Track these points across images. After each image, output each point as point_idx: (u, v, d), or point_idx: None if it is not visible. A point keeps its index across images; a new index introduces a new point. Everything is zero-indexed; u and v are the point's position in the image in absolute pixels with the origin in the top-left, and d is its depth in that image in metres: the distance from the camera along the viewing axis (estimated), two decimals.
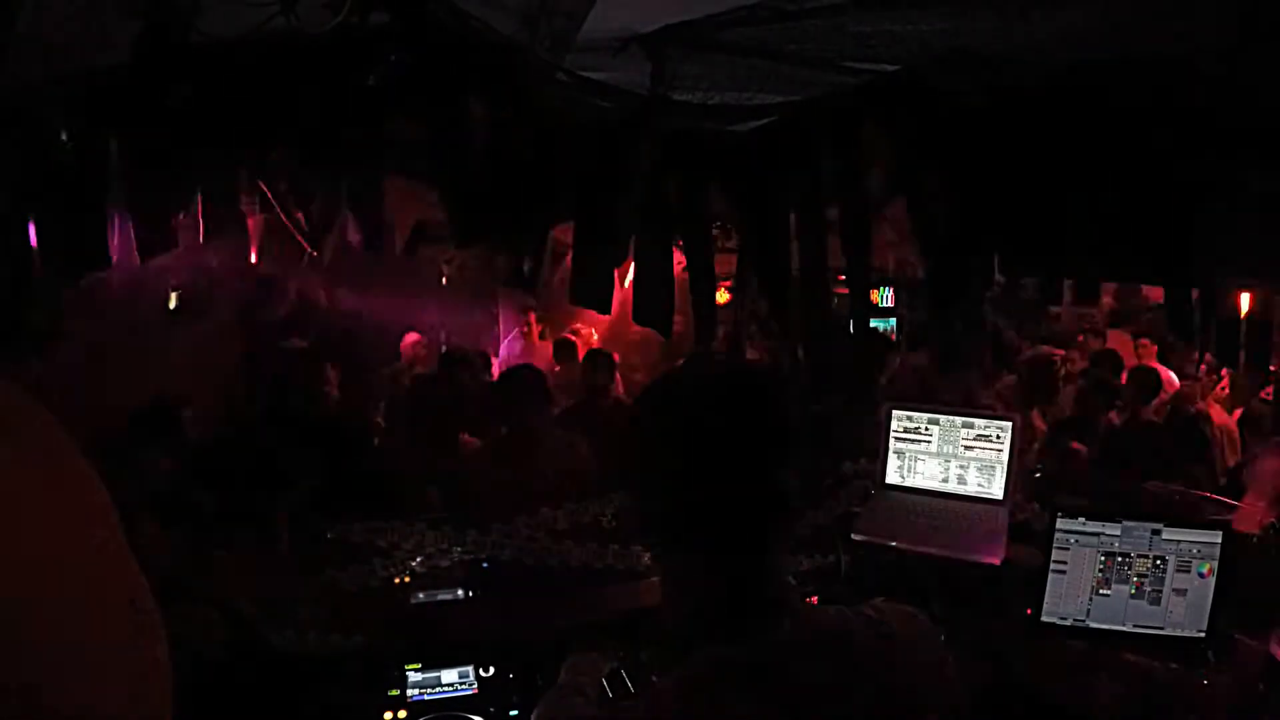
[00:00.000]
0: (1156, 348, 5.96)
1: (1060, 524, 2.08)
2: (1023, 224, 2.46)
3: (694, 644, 0.92)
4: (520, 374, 3.60)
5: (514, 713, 1.78)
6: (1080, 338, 6.69)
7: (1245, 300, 2.90)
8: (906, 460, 2.50)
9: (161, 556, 2.07)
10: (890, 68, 2.27)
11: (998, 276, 2.70)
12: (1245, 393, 5.30)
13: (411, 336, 6.09)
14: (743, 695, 0.87)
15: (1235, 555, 2.01)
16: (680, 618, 0.99)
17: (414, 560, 2.30)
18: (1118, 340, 6.42)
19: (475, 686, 1.84)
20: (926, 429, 2.48)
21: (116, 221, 2.51)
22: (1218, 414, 5.05)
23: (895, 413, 2.52)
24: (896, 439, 2.51)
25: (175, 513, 2.43)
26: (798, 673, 0.91)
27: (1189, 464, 4.19)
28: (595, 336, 6.68)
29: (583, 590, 2.22)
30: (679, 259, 2.96)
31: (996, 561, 2.15)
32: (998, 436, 2.41)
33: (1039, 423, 4.46)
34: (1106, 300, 6.62)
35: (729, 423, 0.94)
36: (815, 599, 2.05)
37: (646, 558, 2.36)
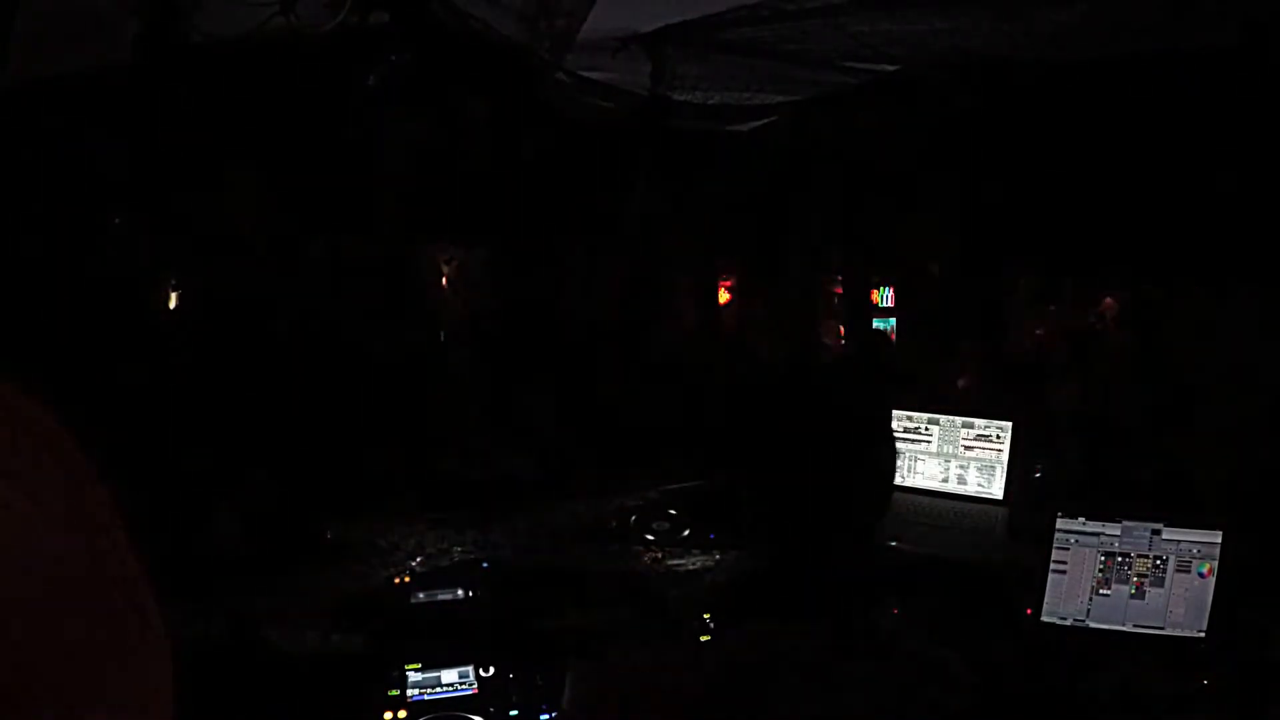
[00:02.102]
0: None
1: (1060, 524, 2.08)
2: (1022, 224, 2.46)
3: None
4: None
5: (514, 713, 1.77)
6: None
7: None
8: (906, 460, 2.50)
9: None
10: (890, 68, 2.27)
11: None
12: None
13: None
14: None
15: (1236, 556, 2.01)
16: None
17: (414, 560, 2.29)
18: None
19: (475, 686, 1.83)
20: (926, 429, 2.48)
21: None
22: None
23: (895, 413, 2.52)
24: (896, 439, 2.50)
25: None
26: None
27: None
28: None
29: (584, 591, 2.22)
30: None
31: (996, 562, 2.14)
32: (998, 436, 2.40)
33: None
34: (1107, 301, 6.59)
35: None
36: None
37: (646, 558, 2.35)
